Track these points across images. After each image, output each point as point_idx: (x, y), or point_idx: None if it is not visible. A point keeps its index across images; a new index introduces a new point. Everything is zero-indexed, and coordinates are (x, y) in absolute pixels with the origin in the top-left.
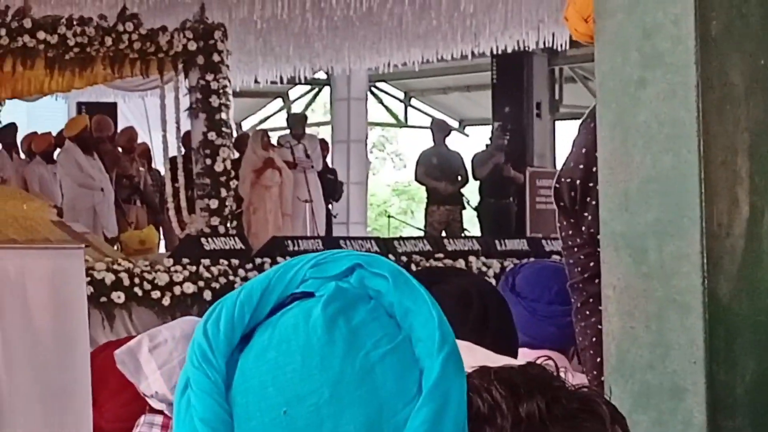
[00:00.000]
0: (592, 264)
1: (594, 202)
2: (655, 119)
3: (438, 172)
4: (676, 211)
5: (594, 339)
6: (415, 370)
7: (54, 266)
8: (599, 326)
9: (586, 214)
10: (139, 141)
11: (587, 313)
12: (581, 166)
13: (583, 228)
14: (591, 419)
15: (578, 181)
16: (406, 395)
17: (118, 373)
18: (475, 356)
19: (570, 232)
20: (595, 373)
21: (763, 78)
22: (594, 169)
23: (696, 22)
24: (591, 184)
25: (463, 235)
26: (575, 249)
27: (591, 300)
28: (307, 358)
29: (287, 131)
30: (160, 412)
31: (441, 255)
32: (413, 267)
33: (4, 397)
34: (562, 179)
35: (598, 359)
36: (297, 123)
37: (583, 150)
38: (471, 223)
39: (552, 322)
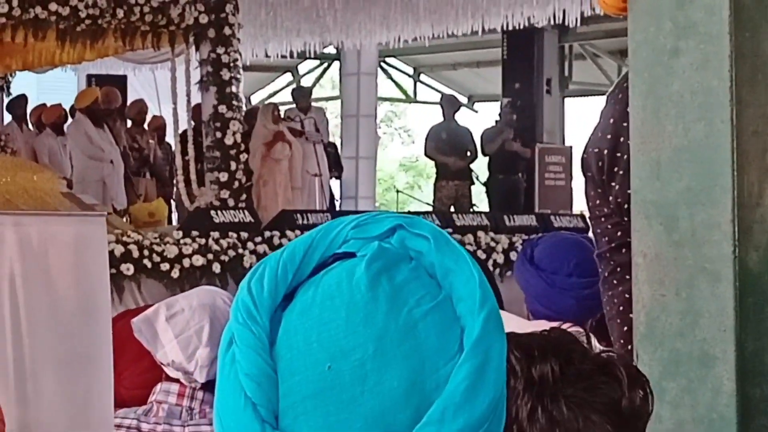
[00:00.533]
0: (619, 233)
1: (621, 172)
2: (688, 89)
3: (447, 148)
4: (707, 180)
5: (621, 308)
6: (457, 328)
7: (76, 233)
8: (627, 295)
9: (613, 183)
10: (153, 114)
11: (614, 282)
12: (609, 136)
13: (611, 198)
14: (607, 381)
15: (606, 151)
16: (448, 352)
17: (135, 341)
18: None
19: (597, 201)
20: (622, 341)
21: None
22: (622, 139)
23: None
24: (619, 154)
25: (471, 210)
26: (602, 219)
27: (619, 269)
28: (352, 314)
29: (293, 105)
30: (176, 380)
31: (450, 230)
32: None
33: (27, 365)
34: (590, 149)
35: (626, 328)
36: (302, 96)
37: (611, 120)
38: (479, 199)
39: (571, 294)
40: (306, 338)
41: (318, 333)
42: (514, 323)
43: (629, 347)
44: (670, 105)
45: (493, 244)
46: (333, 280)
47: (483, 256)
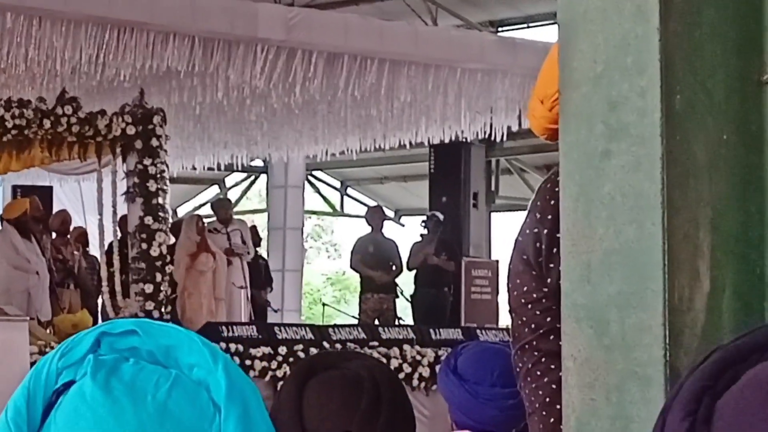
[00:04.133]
0: (549, 319)
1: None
2: (619, 191)
3: (373, 261)
4: (639, 283)
5: (547, 399)
6: (203, 392)
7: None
8: (553, 386)
9: (551, 265)
10: (76, 225)
11: (538, 373)
12: (549, 216)
13: (549, 280)
14: None
15: (545, 231)
16: (207, 415)
17: None
18: None
19: (532, 284)
20: None
21: (726, 153)
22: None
23: (662, 95)
24: (558, 235)
25: (397, 323)
26: (530, 305)
27: (543, 359)
28: (103, 425)
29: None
30: None
31: (375, 343)
32: None
33: None
34: (527, 231)
35: (551, 419)
36: (222, 208)
37: (551, 202)
38: (405, 313)
39: (494, 405)
40: None
41: None
42: None
43: None
44: (601, 207)
45: (419, 357)
46: (68, 410)
47: (409, 370)
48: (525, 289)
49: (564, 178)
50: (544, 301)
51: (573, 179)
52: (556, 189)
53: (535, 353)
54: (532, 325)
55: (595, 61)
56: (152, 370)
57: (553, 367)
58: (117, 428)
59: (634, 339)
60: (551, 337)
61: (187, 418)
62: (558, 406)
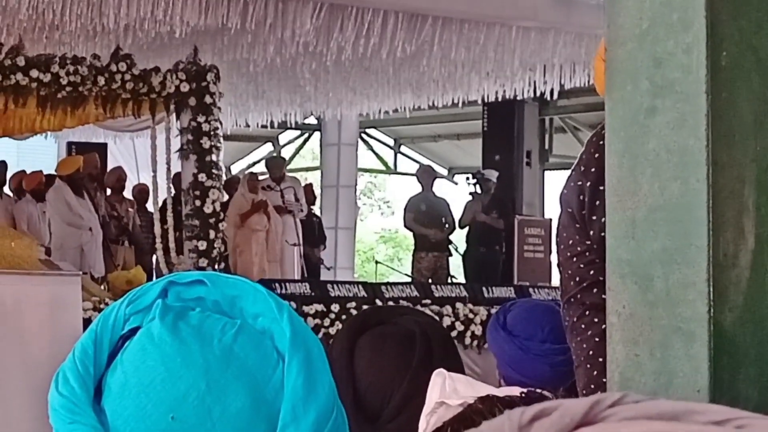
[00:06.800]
0: (592, 272)
1: (604, 206)
2: (664, 147)
3: (426, 219)
4: (683, 239)
5: (591, 353)
6: (267, 340)
7: (51, 293)
8: (596, 339)
9: (594, 217)
10: (135, 182)
11: (583, 327)
12: (593, 169)
13: (591, 232)
14: None
15: (588, 183)
16: (270, 362)
17: None
18: (474, 388)
19: (576, 237)
20: (592, 387)
21: None
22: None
23: (707, 52)
24: (601, 188)
25: (449, 281)
26: (575, 258)
27: (588, 312)
28: (170, 363)
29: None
30: None
31: (428, 301)
32: None
33: None
34: (571, 184)
35: (595, 372)
36: (276, 166)
37: (596, 155)
38: (457, 271)
39: (545, 360)
40: (138, 406)
41: (147, 396)
42: (483, 389)
43: (599, 392)
44: (646, 164)
45: (471, 315)
46: (136, 350)
47: (461, 328)
48: (570, 242)
49: (609, 134)
50: (587, 254)
51: (618, 135)
52: (601, 143)
53: (580, 306)
54: (577, 278)
55: (641, 18)
56: (218, 318)
57: (596, 320)
58: (184, 367)
59: (678, 295)
60: (594, 290)
61: (252, 363)
62: (601, 359)
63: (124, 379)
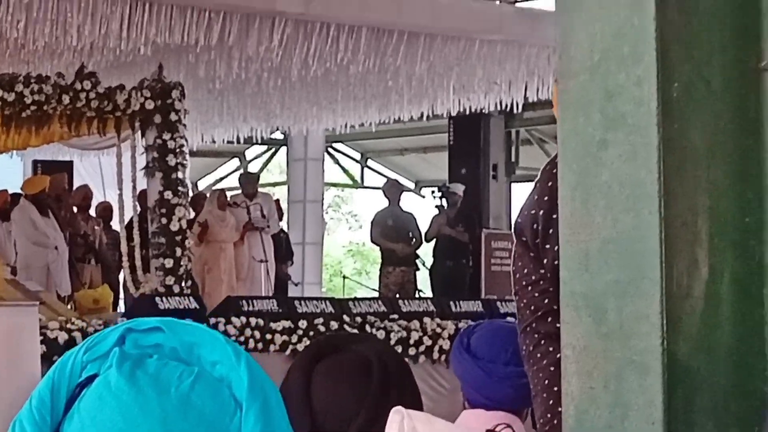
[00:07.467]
0: (546, 301)
1: (557, 234)
2: (617, 180)
3: (393, 234)
4: (636, 271)
5: (546, 382)
6: (225, 388)
7: (8, 323)
8: (551, 368)
9: (548, 246)
10: (100, 200)
11: (539, 356)
12: (546, 198)
13: (545, 260)
14: None
15: (541, 212)
16: (228, 410)
17: None
18: (434, 427)
19: (530, 266)
20: (548, 416)
21: (724, 140)
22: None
23: (658, 84)
24: (555, 216)
25: (417, 296)
26: (530, 287)
27: (543, 342)
28: (127, 413)
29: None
30: None
31: (396, 316)
32: (368, 328)
33: None
34: (525, 212)
35: (551, 401)
36: (249, 182)
37: (549, 184)
38: (424, 285)
39: (508, 383)
40: None
41: None
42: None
43: (555, 422)
44: (599, 196)
45: (439, 330)
46: (93, 398)
47: (429, 342)
48: (525, 271)
49: (562, 166)
50: (542, 282)
51: (571, 168)
52: (554, 171)
53: (536, 335)
54: (532, 307)
55: (593, 50)
56: (175, 365)
57: (551, 349)
58: (141, 416)
59: (632, 327)
60: (549, 319)
61: (209, 412)
62: (557, 389)
63: (81, 428)
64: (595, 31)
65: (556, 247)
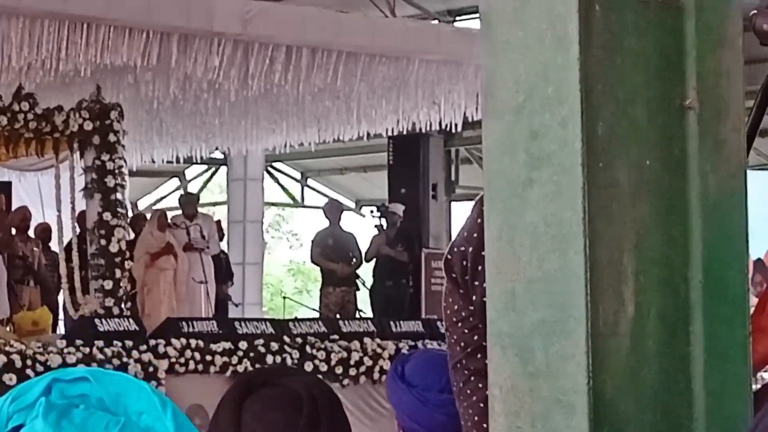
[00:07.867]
0: (476, 338)
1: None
2: (542, 220)
3: (333, 254)
4: (562, 311)
5: (476, 419)
6: None
7: None
8: (481, 405)
9: (476, 283)
10: (39, 221)
11: (469, 392)
12: (475, 235)
13: (474, 297)
14: None
15: (470, 249)
16: None
17: None
18: None
19: (460, 303)
20: None
21: (649, 178)
22: None
23: (582, 124)
24: (484, 253)
25: (357, 316)
26: (459, 323)
27: (473, 378)
28: None
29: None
30: None
31: (336, 336)
32: (308, 349)
33: None
34: (455, 249)
35: None
36: (188, 203)
37: (479, 220)
38: (365, 305)
39: (443, 411)
40: None
41: None
42: None
43: None
44: (524, 236)
45: (379, 350)
46: None
47: (369, 363)
48: (455, 307)
49: (488, 206)
50: (471, 319)
51: (497, 207)
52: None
53: (465, 372)
54: (462, 344)
55: (517, 91)
56: (102, 415)
57: (480, 386)
58: None
59: (558, 367)
60: (478, 355)
61: None
62: (485, 425)
63: None
64: (520, 71)
65: (484, 284)
